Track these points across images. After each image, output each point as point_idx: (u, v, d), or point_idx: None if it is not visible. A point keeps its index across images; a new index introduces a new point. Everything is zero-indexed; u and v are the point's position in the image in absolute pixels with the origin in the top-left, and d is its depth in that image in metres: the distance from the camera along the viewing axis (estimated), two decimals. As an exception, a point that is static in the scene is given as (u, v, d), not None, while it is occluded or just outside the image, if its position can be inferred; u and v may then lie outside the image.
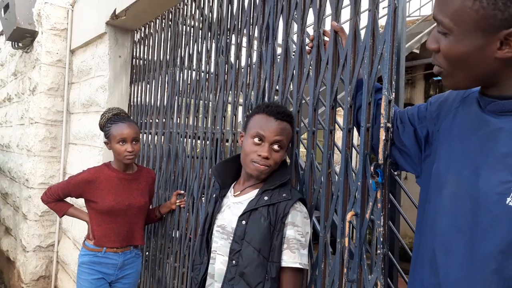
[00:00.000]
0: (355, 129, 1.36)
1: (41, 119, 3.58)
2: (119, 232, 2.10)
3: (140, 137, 2.16)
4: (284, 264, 1.28)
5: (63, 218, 3.54)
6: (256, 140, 1.35)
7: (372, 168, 1.18)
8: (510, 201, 0.74)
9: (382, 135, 1.18)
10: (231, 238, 1.34)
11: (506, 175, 0.75)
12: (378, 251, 1.17)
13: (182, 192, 2.23)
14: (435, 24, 0.82)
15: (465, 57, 0.77)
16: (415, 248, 0.99)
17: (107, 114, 2.16)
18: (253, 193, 1.39)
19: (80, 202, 2.34)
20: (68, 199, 2.26)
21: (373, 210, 1.20)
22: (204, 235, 1.50)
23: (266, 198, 1.33)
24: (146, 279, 2.52)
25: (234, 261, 1.31)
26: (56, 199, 2.16)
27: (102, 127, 2.17)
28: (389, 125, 1.18)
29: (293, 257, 1.28)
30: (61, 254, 3.60)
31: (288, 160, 1.54)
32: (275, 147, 1.35)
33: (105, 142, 2.12)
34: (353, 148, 1.39)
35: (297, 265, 1.27)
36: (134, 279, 2.24)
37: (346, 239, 1.25)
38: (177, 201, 2.22)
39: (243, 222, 1.32)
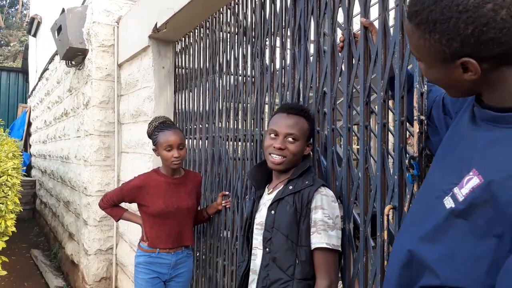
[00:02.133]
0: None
1: (95, 131, 3.83)
2: (170, 233, 2.23)
3: (185, 143, 2.28)
4: (312, 246, 1.35)
5: (119, 223, 3.77)
6: (272, 135, 1.47)
7: (407, 161, 1.20)
8: (446, 199, 0.79)
9: (416, 128, 1.19)
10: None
11: (456, 178, 0.79)
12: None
13: (227, 193, 2.31)
14: None
15: (439, 80, 0.83)
16: None
17: (154, 123, 2.30)
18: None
19: (133, 207, 2.49)
20: (123, 205, 2.43)
21: (410, 203, 1.21)
22: (244, 235, 1.60)
23: (290, 187, 1.42)
24: (198, 278, 2.64)
25: (267, 249, 1.41)
26: (112, 204, 2.33)
27: (150, 135, 2.30)
28: (422, 117, 1.18)
29: (319, 238, 1.34)
30: (119, 257, 3.82)
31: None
32: (289, 139, 1.44)
33: (153, 149, 2.26)
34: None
35: (324, 245, 1.33)
36: (187, 277, 2.36)
37: (385, 232, 1.27)
38: (223, 202, 2.32)
39: (272, 212, 1.43)
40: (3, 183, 2.92)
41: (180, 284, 2.34)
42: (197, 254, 2.65)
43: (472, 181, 0.75)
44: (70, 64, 4.40)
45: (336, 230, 1.37)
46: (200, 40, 2.75)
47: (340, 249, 1.38)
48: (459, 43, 0.72)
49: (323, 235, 1.34)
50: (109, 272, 3.92)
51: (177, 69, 3.19)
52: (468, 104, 0.90)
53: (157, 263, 2.25)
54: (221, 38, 2.48)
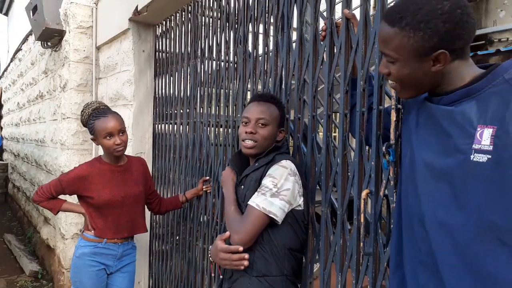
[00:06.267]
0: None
1: (72, 114, 3.76)
2: (119, 223, 2.16)
3: (125, 127, 2.14)
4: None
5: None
6: (244, 123, 1.55)
7: (384, 147, 1.25)
8: (474, 156, 0.88)
9: (393, 116, 1.24)
10: None
11: (462, 143, 0.91)
12: (392, 226, 1.23)
13: (208, 178, 2.34)
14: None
15: (411, 75, 0.99)
16: (398, 220, 1.13)
17: (87, 110, 2.13)
18: None
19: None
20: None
21: (386, 187, 1.27)
22: None
23: (256, 164, 1.52)
24: (177, 261, 2.67)
25: None
26: (49, 197, 2.15)
27: (85, 124, 2.14)
28: (399, 106, 1.23)
29: (254, 197, 1.42)
30: (97, 241, 3.80)
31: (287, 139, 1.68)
32: (260, 124, 1.51)
33: (92, 139, 2.12)
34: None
35: (253, 204, 1.39)
36: (133, 268, 2.31)
37: (362, 216, 1.32)
38: (204, 187, 2.34)
39: (242, 187, 1.53)
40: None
41: (126, 275, 2.27)
42: (177, 238, 2.67)
43: (486, 131, 0.87)
44: (46, 45, 4.28)
45: (277, 200, 1.38)
46: (182, 24, 2.72)
47: (271, 215, 1.38)
48: (438, 38, 0.91)
49: (259, 197, 1.40)
50: (87, 256, 3.89)
51: (157, 53, 3.16)
52: (418, 102, 1.09)
53: (103, 254, 2.14)
54: (203, 23, 2.47)
